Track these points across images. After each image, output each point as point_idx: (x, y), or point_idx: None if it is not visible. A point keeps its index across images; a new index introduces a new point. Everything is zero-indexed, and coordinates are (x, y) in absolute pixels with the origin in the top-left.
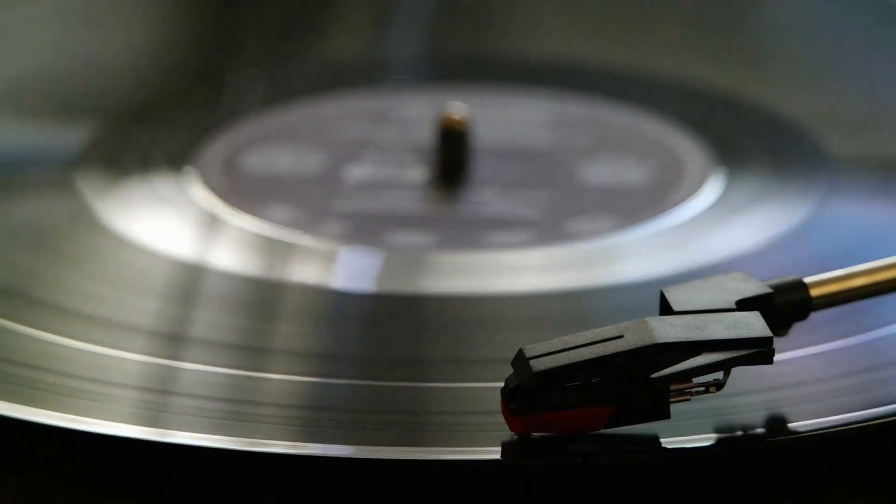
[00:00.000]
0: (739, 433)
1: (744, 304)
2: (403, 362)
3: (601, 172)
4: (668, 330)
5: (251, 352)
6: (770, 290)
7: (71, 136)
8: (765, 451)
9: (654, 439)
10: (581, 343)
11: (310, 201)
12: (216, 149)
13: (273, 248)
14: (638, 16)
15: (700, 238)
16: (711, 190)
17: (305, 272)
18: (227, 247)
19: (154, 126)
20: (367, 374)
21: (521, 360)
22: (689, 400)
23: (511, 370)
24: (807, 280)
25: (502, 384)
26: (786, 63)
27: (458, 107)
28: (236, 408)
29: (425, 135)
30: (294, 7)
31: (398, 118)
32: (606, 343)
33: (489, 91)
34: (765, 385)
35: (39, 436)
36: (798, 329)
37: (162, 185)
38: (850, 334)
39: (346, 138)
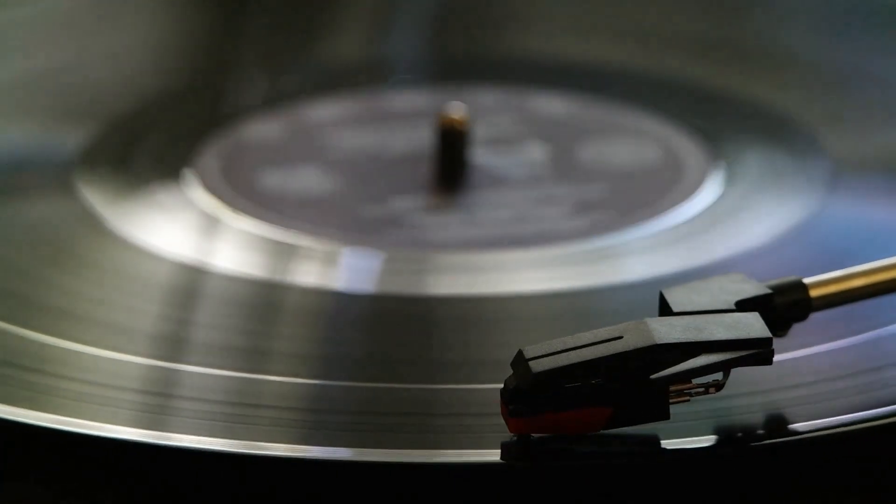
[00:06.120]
0: (739, 434)
1: (743, 305)
2: (402, 364)
3: (600, 172)
4: (668, 331)
5: (252, 354)
6: (769, 291)
7: (71, 138)
8: (764, 452)
9: (654, 440)
10: (580, 344)
11: (309, 202)
12: (217, 150)
13: (273, 250)
14: (637, 15)
15: (699, 238)
16: (711, 190)
17: (306, 273)
18: (228, 249)
19: (154, 127)
20: (366, 376)
21: (520, 361)
22: (688, 401)
23: (510, 371)
24: (806, 281)
25: (501, 385)
26: (786, 63)
27: (458, 107)
28: (237, 410)
29: (425, 135)
30: (294, 8)
31: (398, 118)
32: (606, 344)
33: (489, 91)
34: (764, 386)
35: (40, 439)
36: (797, 330)
37: (162, 186)
38: (850, 335)
39: (345, 139)
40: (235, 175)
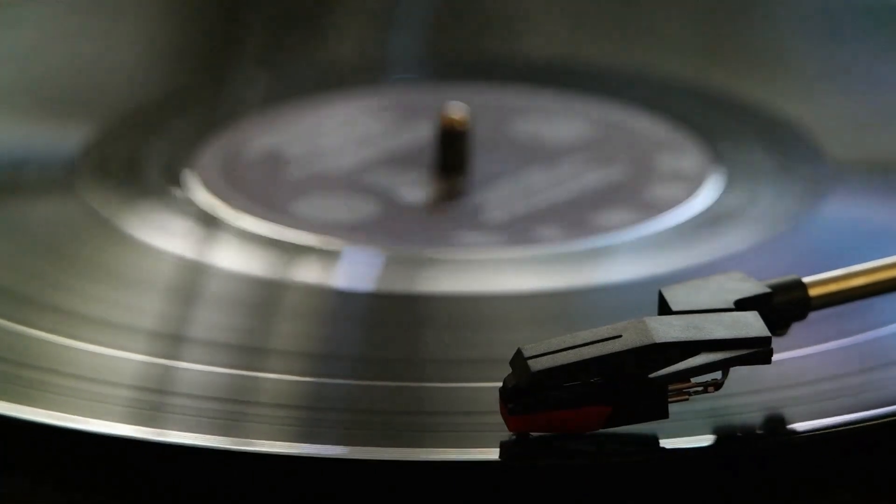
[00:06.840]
0: (738, 433)
1: (742, 304)
2: (401, 362)
3: (600, 172)
4: (667, 329)
5: (249, 352)
6: (769, 290)
7: (71, 137)
8: (763, 451)
9: (653, 439)
10: (579, 343)
11: (309, 201)
12: (216, 149)
13: (272, 248)
14: (638, 16)
15: (698, 238)
16: (710, 189)
17: (304, 272)
18: (228, 247)
19: (154, 126)
20: (364, 375)
21: (519, 359)
22: (687, 400)
23: (509, 370)
24: (805, 280)
25: (500, 384)
26: (785, 63)
27: (458, 107)
28: (234, 408)
29: (425, 134)
30: (294, 7)
31: (398, 118)
32: (605, 343)
33: (489, 91)
34: (763, 385)
35: (38, 436)
36: (797, 329)
37: (162, 185)
38: (849, 334)
39: (345, 138)
40: (235, 174)
